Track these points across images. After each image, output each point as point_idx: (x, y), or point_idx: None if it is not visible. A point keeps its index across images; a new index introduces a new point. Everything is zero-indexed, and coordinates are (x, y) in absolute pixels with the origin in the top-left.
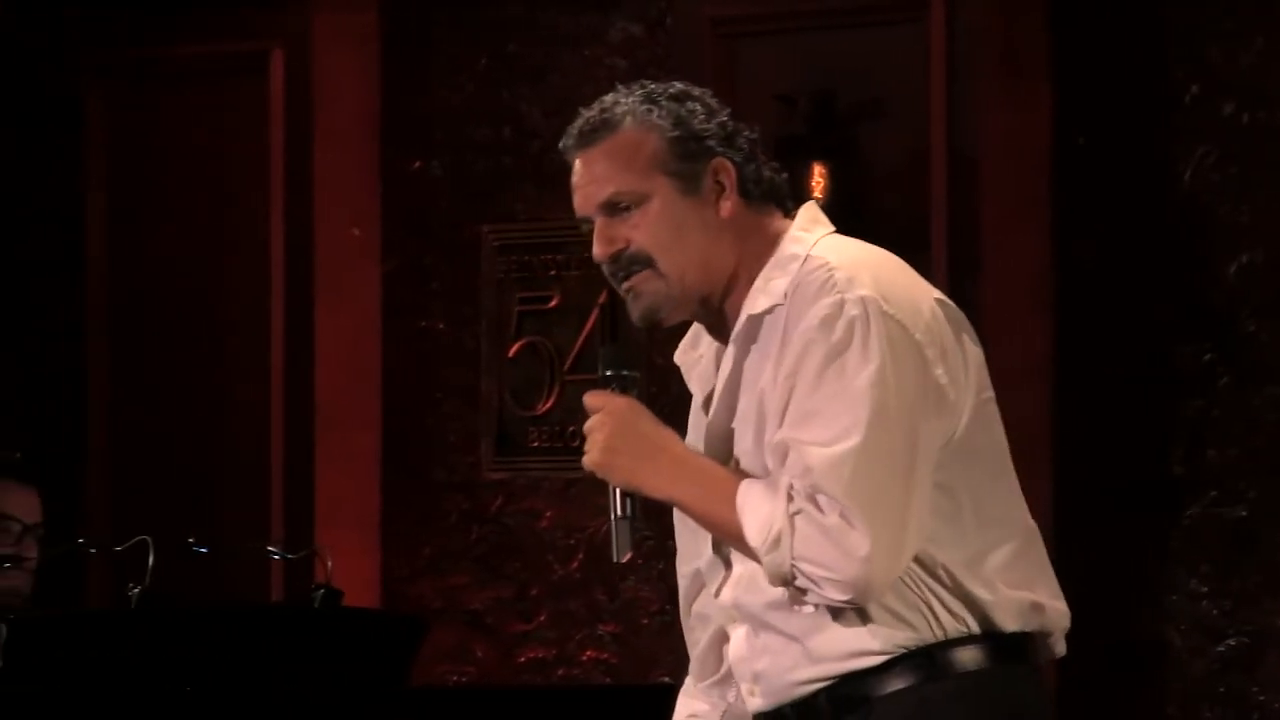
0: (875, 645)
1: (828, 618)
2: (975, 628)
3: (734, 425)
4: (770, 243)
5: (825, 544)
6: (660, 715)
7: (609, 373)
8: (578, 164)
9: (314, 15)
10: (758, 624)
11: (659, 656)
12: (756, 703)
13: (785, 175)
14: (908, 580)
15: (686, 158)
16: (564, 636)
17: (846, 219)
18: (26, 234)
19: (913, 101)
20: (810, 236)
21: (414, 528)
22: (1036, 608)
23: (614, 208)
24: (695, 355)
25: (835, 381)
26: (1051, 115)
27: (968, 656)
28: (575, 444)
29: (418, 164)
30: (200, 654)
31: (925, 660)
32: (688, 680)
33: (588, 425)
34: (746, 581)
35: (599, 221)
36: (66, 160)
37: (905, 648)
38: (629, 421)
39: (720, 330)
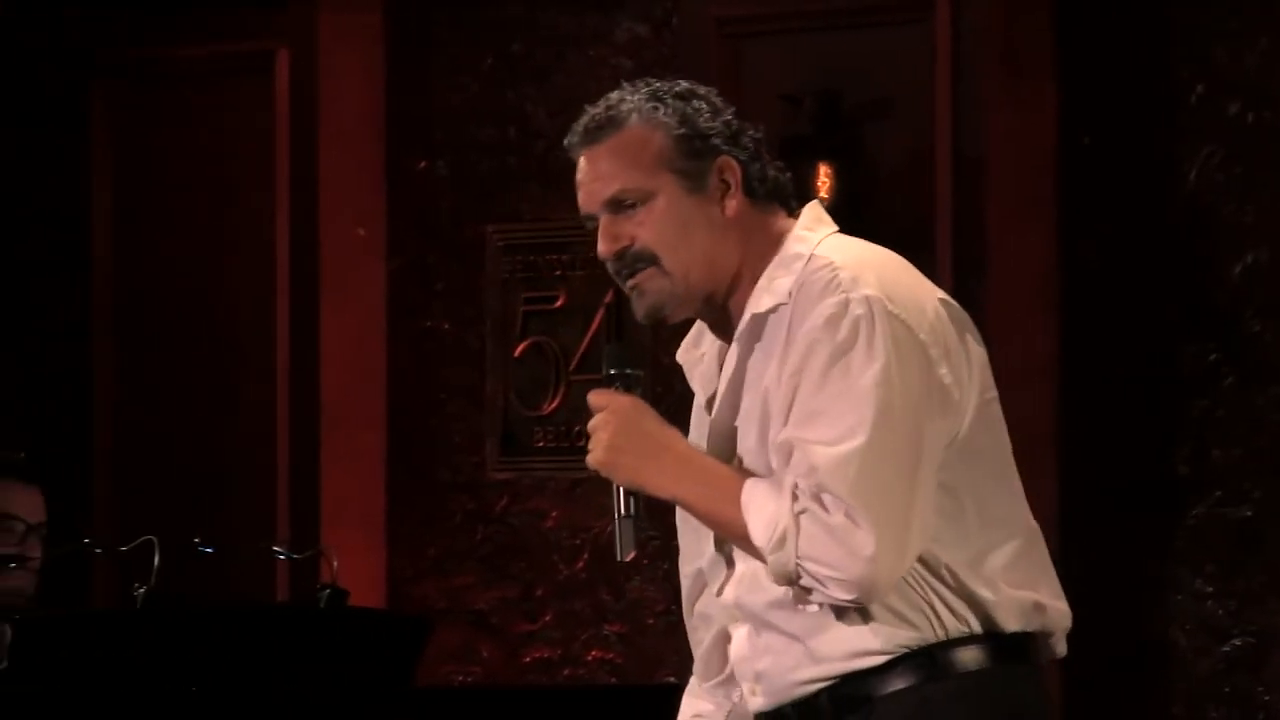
0: (877, 645)
1: (829, 617)
2: (977, 627)
3: (737, 424)
4: (774, 242)
5: (830, 543)
6: (665, 715)
7: (613, 371)
8: (583, 161)
9: (319, 15)
10: (759, 623)
11: (664, 656)
12: (758, 702)
13: (790, 174)
14: (910, 580)
15: (692, 156)
16: (569, 636)
17: (851, 218)
18: (31, 234)
19: (918, 101)
20: (814, 236)
21: (419, 528)
22: (1038, 608)
23: (619, 205)
24: (697, 354)
25: (840, 381)
26: (1056, 115)
27: (969, 656)
28: (580, 444)
29: (423, 164)
30: (205, 654)
31: (927, 660)
32: (692, 680)
33: (591, 424)
34: (749, 580)
35: (604, 219)
36: (70, 160)
37: (907, 647)
38: (633, 420)
39: (724, 329)
